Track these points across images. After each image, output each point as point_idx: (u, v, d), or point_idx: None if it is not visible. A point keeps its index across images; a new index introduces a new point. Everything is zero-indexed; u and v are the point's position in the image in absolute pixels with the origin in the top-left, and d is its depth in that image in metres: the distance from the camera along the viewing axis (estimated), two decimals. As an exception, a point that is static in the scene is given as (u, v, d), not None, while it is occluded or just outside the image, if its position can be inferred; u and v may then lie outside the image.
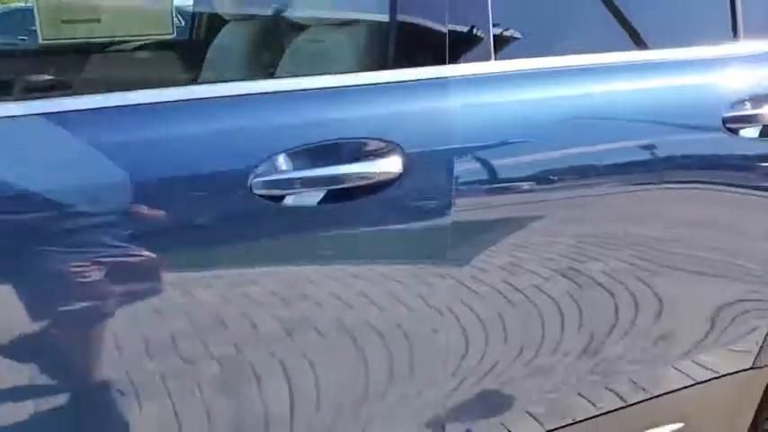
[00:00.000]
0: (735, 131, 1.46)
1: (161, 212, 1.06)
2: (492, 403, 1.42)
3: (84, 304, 1.06)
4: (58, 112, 1.04)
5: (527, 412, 1.46)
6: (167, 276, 1.08)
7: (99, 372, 1.10)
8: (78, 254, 1.03)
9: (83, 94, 1.13)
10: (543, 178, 1.32)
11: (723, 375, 1.62)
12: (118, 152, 1.05)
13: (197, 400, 1.15)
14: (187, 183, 1.08)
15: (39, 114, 1.03)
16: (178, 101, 1.12)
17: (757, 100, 1.49)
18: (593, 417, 1.51)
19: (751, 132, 1.49)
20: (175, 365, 1.12)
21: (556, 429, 1.48)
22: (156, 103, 1.10)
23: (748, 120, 1.48)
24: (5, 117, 1.01)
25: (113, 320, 1.07)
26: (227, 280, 1.13)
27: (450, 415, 1.37)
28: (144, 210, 1.05)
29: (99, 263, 1.04)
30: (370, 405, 1.31)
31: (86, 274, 1.04)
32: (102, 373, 1.10)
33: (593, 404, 1.51)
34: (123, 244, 1.05)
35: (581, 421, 1.50)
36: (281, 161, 1.12)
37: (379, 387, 1.30)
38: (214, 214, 1.11)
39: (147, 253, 1.06)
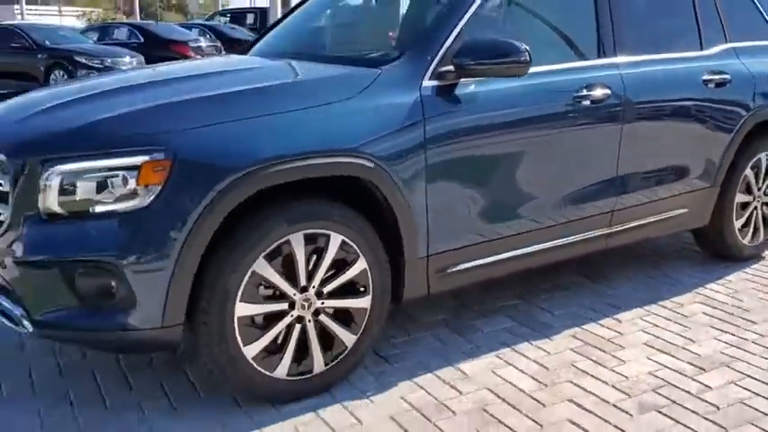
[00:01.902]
0: (707, 84, 3.70)
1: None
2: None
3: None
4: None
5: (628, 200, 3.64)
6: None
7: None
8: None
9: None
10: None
11: (700, 189, 3.87)
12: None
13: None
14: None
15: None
16: None
17: (714, 71, 3.74)
18: (641, 204, 3.68)
19: (712, 85, 3.73)
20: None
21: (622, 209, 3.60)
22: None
23: (712, 81, 3.72)
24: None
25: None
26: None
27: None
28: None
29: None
30: (574, 192, 3.39)
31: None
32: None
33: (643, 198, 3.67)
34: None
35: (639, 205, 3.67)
36: None
37: (579, 183, 3.40)
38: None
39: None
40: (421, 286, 2.82)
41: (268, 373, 2.49)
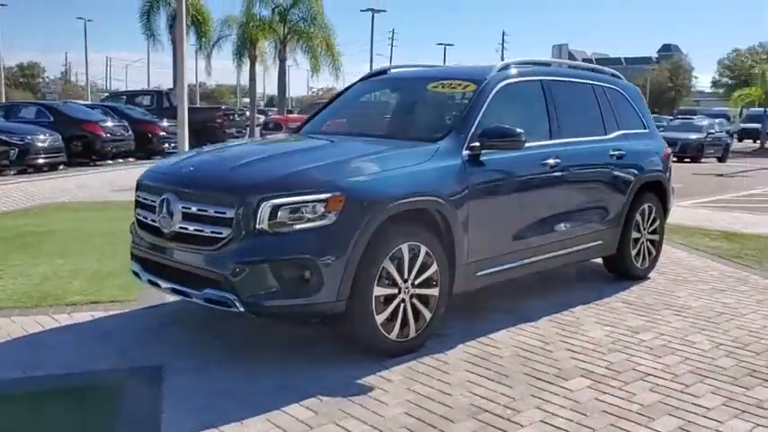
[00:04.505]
0: (612, 156, 5.58)
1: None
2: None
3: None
4: None
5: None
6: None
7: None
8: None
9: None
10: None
11: (610, 227, 5.69)
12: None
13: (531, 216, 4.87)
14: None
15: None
16: None
17: (615, 148, 5.65)
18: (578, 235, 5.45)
19: (615, 157, 5.62)
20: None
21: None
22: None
23: (615, 155, 5.62)
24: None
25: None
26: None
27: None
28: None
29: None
30: (546, 221, 5.09)
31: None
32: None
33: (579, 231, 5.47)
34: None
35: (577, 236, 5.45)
36: None
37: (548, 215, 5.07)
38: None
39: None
40: (465, 283, 4.33)
41: (387, 335, 3.88)
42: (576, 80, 5.64)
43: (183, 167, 4.19)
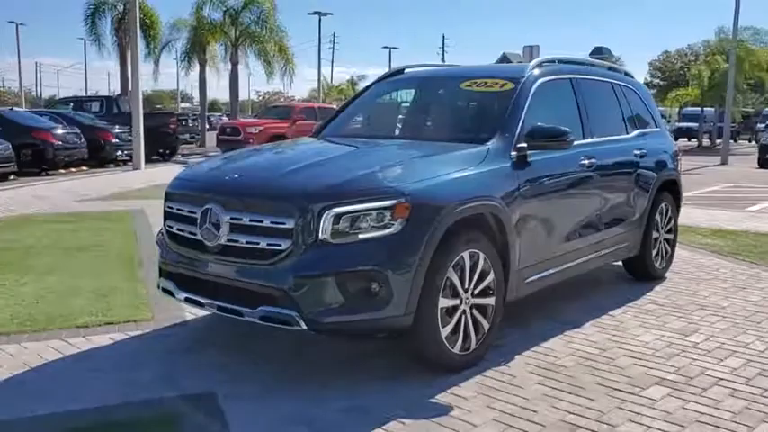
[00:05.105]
0: (635, 155, 5.50)
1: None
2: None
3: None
4: None
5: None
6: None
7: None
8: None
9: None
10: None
11: (635, 228, 5.61)
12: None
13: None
14: None
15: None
16: None
17: (637, 147, 5.55)
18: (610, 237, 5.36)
19: (639, 156, 5.53)
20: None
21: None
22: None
23: (638, 153, 5.53)
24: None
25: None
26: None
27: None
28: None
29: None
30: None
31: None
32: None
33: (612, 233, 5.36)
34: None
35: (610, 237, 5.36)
36: None
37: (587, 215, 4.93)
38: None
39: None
40: (516, 291, 4.14)
41: (451, 349, 3.64)
42: (598, 78, 5.53)
43: (224, 175, 3.85)
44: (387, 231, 3.37)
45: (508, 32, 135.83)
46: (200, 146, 27.60)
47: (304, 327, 3.33)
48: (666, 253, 6.09)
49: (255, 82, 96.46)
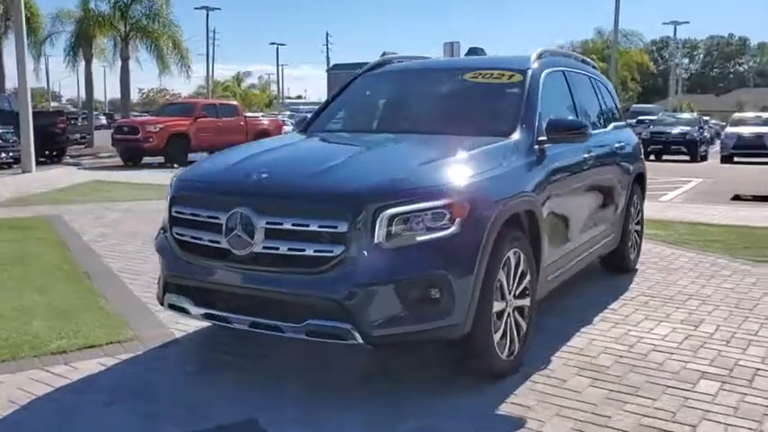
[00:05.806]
0: (617, 146, 5.51)
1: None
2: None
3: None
4: None
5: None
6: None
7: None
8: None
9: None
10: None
11: (619, 218, 5.62)
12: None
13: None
14: None
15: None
16: None
17: (617, 139, 5.57)
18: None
19: (619, 147, 5.55)
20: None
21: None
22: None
23: (618, 144, 5.55)
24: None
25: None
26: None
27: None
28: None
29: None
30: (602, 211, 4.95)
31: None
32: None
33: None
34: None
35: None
36: None
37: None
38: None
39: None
40: (541, 290, 3.98)
41: (501, 355, 3.43)
42: (581, 72, 5.48)
43: (249, 174, 3.39)
44: (446, 232, 3.09)
45: (390, 28, 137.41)
46: (88, 146, 25.80)
47: (360, 341, 3.01)
48: (637, 244, 6.18)
49: (137, 79, 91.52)
